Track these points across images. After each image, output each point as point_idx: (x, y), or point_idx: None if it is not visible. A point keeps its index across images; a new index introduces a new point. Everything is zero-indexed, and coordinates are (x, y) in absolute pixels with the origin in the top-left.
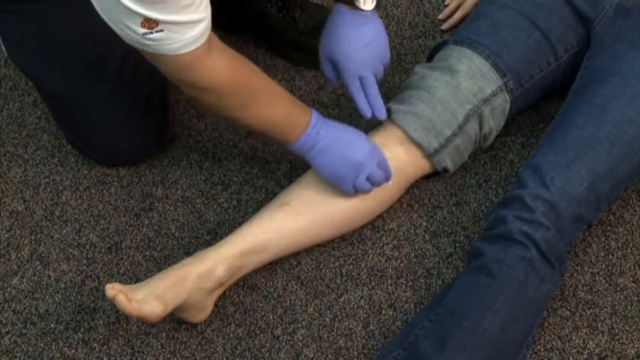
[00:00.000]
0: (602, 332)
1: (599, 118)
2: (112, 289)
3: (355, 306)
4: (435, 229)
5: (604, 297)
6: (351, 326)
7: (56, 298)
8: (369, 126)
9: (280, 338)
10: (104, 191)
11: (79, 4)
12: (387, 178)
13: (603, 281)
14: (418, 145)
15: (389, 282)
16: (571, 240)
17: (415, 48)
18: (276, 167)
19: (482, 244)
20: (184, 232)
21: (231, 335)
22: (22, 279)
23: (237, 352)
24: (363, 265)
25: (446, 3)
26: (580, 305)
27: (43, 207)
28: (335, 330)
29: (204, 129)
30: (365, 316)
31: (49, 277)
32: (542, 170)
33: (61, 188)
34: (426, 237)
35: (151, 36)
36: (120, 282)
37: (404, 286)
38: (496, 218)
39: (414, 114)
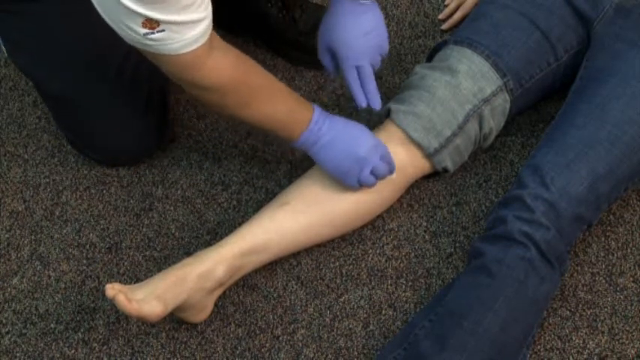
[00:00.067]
0: (602, 332)
1: (599, 118)
2: (112, 289)
3: (355, 306)
4: (435, 229)
5: (604, 297)
6: (351, 326)
7: (56, 298)
8: (369, 125)
9: (280, 338)
10: (104, 191)
11: (79, 4)
12: (391, 172)
13: (603, 281)
14: (418, 145)
15: (389, 282)
16: (571, 240)
17: (415, 48)
18: (276, 167)
19: (482, 244)
20: (184, 232)
21: (231, 335)
22: (22, 279)
23: (237, 352)
24: (363, 265)
25: (446, 3)
26: (580, 305)
27: (43, 207)
28: (335, 330)
29: (204, 129)
30: (365, 316)
31: (49, 277)
32: (542, 170)
33: (61, 188)
34: (426, 237)
35: (152, 36)
36: (120, 282)
37: (404, 286)
38: (496, 218)
39: (414, 114)
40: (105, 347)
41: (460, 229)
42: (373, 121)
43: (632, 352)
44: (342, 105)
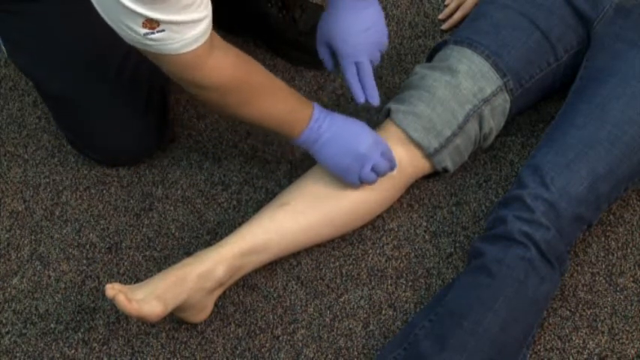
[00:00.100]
0: (602, 332)
1: (599, 118)
2: (112, 289)
3: (355, 306)
4: (435, 229)
5: (604, 297)
6: (351, 326)
7: (56, 298)
8: (370, 125)
9: (280, 338)
10: (104, 191)
11: (79, 4)
12: (392, 168)
13: (603, 281)
14: (418, 145)
15: (389, 282)
16: (571, 240)
17: (415, 48)
18: (276, 167)
19: (482, 244)
20: (184, 232)
21: (231, 335)
22: (22, 279)
23: (237, 352)
24: (363, 265)
25: (446, 3)
26: (580, 305)
27: (43, 207)
28: (335, 330)
29: (204, 129)
30: (365, 316)
31: (49, 277)
32: (542, 170)
33: (61, 188)
34: (426, 237)
35: (153, 36)
36: (120, 282)
37: (404, 286)
38: (496, 218)
39: (414, 114)
40: (105, 347)
41: (460, 229)
42: (373, 120)
43: (632, 352)
44: (342, 105)
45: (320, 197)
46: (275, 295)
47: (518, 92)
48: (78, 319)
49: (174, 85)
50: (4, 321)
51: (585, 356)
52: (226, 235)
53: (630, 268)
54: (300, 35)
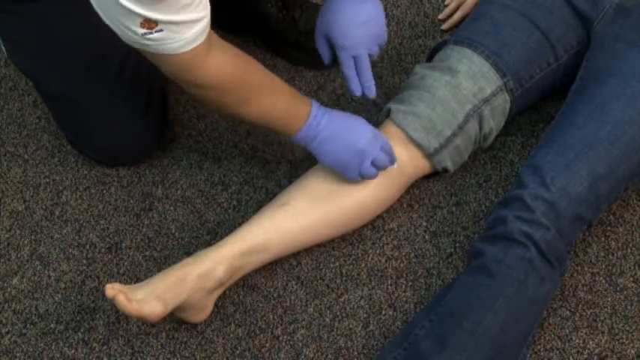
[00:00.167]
0: (602, 332)
1: (599, 118)
2: (112, 289)
3: (355, 306)
4: (435, 229)
5: (604, 297)
6: (351, 326)
7: (56, 298)
8: (370, 124)
9: (280, 338)
10: (104, 191)
11: (79, 4)
12: (392, 162)
13: (603, 281)
14: (418, 145)
15: (389, 282)
16: (571, 240)
17: (415, 48)
18: (276, 167)
19: (482, 244)
20: (184, 232)
21: (231, 335)
22: (22, 279)
23: (237, 352)
24: (363, 265)
25: (446, 3)
26: (580, 305)
27: (43, 207)
28: (335, 330)
29: (204, 129)
30: (365, 316)
31: (49, 277)
32: (542, 170)
33: (61, 188)
34: (426, 237)
35: (151, 36)
36: (120, 282)
37: (404, 286)
38: (496, 218)
39: (414, 114)
40: (105, 347)
41: (460, 229)
42: (374, 120)
43: (632, 352)
44: (343, 105)
45: (320, 197)
46: (275, 295)
47: (518, 92)
48: (78, 319)
49: (174, 85)
50: (4, 321)
51: (585, 356)
52: (226, 235)
53: (630, 268)
54: (300, 35)
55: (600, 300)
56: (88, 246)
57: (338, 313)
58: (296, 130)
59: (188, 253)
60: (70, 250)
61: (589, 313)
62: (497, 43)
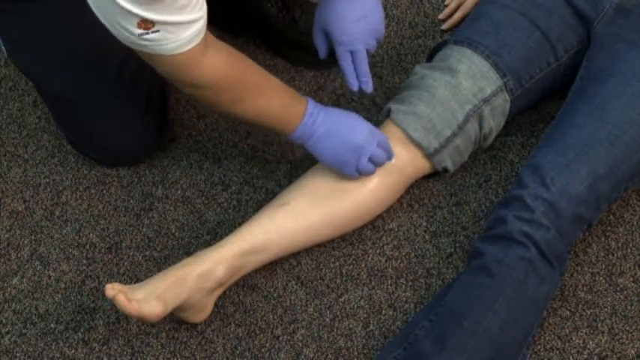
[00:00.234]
0: (602, 332)
1: (599, 118)
2: (112, 289)
3: (355, 306)
4: (435, 229)
5: (604, 297)
6: (351, 326)
7: (56, 298)
8: (366, 121)
9: (280, 338)
10: (104, 191)
11: (79, 4)
12: (389, 157)
13: (603, 281)
14: (418, 145)
15: (389, 282)
16: (571, 240)
17: (415, 48)
18: (276, 167)
19: (482, 244)
20: (184, 232)
21: (231, 335)
22: (22, 279)
23: (237, 352)
24: (363, 265)
25: (446, 3)
26: (580, 305)
27: (43, 207)
28: (335, 330)
29: (204, 129)
30: (365, 316)
31: (49, 277)
32: (542, 170)
33: (61, 188)
34: (426, 237)
35: (147, 36)
36: (120, 282)
37: (404, 286)
38: (496, 218)
39: (414, 114)
40: (105, 347)
41: (460, 229)
42: (373, 120)
43: (632, 352)
44: (343, 105)
45: (320, 197)
46: (275, 295)
47: (518, 92)
48: (78, 319)
49: (173, 85)
50: (4, 321)
51: (585, 356)
52: (226, 235)
53: (630, 268)
54: (300, 35)
55: (600, 300)
56: (88, 246)
57: (338, 313)
58: (292, 129)
59: (188, 253)
60: (70, 250)
61: (589, 313)
62: (497, 43)
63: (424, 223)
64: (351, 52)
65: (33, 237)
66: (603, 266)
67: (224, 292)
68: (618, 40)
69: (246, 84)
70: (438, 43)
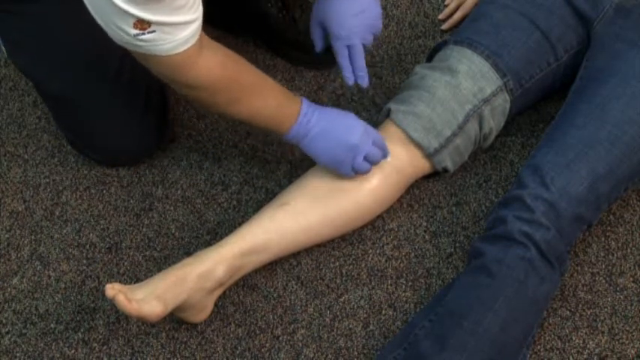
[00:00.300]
0: (602, 332)
1: (599, 118)
2: (112, 289)
3: (355, 306)
4: (435, 229)
5: (604, 297)
6: (351, 326)
7: (56, 298)
8: (370, 125)
9: (280, 338)
10: (104, 191)
11: (79, 4)
12: (385, 156)
13: (603, 281)
14: (418, 145)
15: (389, 282)
16: (571, 240)
17: (415, 48)
18: (276, 167)
19: (482, 244)
20: (184, 232)
21: (231, 335)
22: (22, 279)
23: (237, 352)
24: (363, 265)
25: (446, 3)
26: (580, 305)
27: (43, 207)
28: (335, 330)
29: (204, 129)
30: (365, 316)
31: (49, 277)
32: (542, 170)
33: (61, 188)
34: (426, 237)
35: (143, 37)
36: (120, 282)
37: (404, 286)
38: (496, 218)
39: (414, 114)
40: (105, 347)
41: (460, 229)
42: (373, 120)
43: (632, 352)
44: (343, 105)
45: (320, 197)
46: (275, 295)
47: (518, 92)
48: (78, 319)
49: None
50: (4, 321)
51: (585, 356)
52: (226, 235)
53: (630, 268)
54: (300, 35)
55: (600, 300)
56: (88, 246)
57: (338, 313)
58: (287, 129)
59: (188, 253)
60: (70, 250)
61: (589, 313)
62: (497, 43)
63: (424, 223)
64: (348, 47)
65: (33, 237)
66: (603, 266)
67: (224, 292)
68: (618, 40)
69: (242, 84)
70: (438, 43)
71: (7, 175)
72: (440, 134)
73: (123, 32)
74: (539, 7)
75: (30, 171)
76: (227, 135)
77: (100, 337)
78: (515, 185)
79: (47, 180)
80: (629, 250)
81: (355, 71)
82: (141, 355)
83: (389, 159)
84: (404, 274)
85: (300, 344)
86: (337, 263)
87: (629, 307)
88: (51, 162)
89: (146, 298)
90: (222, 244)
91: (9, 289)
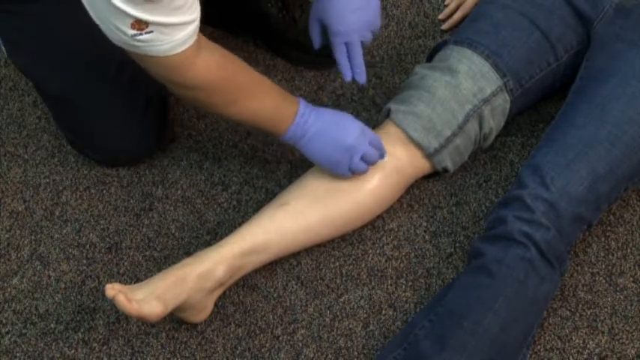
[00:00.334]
0: (602, 332)
1: (599, 118)
2: (112, 289)
3: (355, 306)
4: (435, 229)
5: (604, 297)
6: (351, 326)
7: (56, 298)
8: (370, 126)
9: (280, 338)
10: (104, 191)
11: (79, 4)
12: (382, 156)
13: (603, 281)
14: (418, 145)
15: (389, 282)
16: (571, 240)
17: (415, 48)
18: (276, 167)
19: (482, 244)
20: (184, 232)
21: (231, 335)
22: (22, 279)
23: (237, 352)
24: (363, 265)
25: (446, 3)
26: (580, 305)
27: (43, 207)
28: (335, 330)
29: (204, 129)
30: (365, 316)
31: (49, 277)
32: (542, 170)
33: (61, 188)
34: (426, 237)
35: (140, 37)
36: (120, 282)
37: (404, 286)
38: (496, 218)
39: (414, 114)
40: (105, 347)
41: (460, 229)
42: (374, 120)
43: (632, 352)
44: (343, 105)
45: (320, 197)
46: (275, 295)
47: (518, 92)
48: (78, 319)
49: None
50: (4, 321)
51: (585, 356)
52: (226, 235)
53: (630, 268)
54: (300, 35)
55: (600, 300)
56: (88, 246)
57: (338, 313)
58: (284, 130)
59: (188, 253)
60: (70, 250)
61: (589, 313)
62: (497, 43)
63: (424, 223)
64: (346, 44)
65: (33, 237)
66: (603, 266)
67: (224, 292)
68: (618, 40)
69: (239, 85)
70: (438, 43)
71: (7, 175)
72: (440, 134)
73: (121, 32)
74: (539, 7)
75: (30, 171)
76: (227, 135)
77: (100, 337)
78: (515, 185)
79: (47, 180)
80: (629, 250)
81: (353, 68)
82: (141, 355)
83: (386, 159)
84: (404, 274)
85: (300, 344)
86: (337, 263)
87: (629, 307)
88: (51, 162)
89: (146, 298)
90: (222, 244)
91: (9, 289)
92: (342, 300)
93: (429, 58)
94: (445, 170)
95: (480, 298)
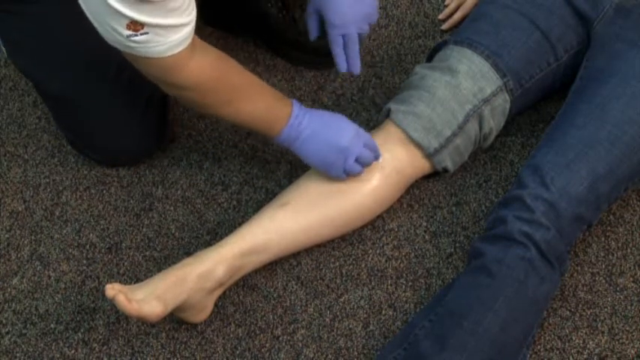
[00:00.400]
0: (602, 332)
1: (599, 118)
2: (112, 289)
3: (355, 306)
4: (435, 229)
5: (604, 297)
6: (351, 326)
7: (56, 298)
8: (370, 126)
9: (280, 338)
10: (104, 191)
11: (78, 4)
12: (376, 158)
13: (603, 281)
14: (418, 145)
15: (389, 282)
16: (571, 240)
17: (415, 48)
18: (276, 167)
19: (483, 244)
20: (184, 232)
21: (231, 335)
22: (22, 279)
23: (237, 352)
24: (363, 265)
25: (446, 3)
26: (580, 305)
27: (43, 207)
28: (335, 330)
29: (204, 129)
30: (365, 316)
31: (49, 277)
32: (542, 170)
33: (61, 188)
34: (426, 237)
35: (136, 38)
36: (120, 282)
37: (404, 286)
38: (496, 218)
39: (414, 114)
40: (105, 347)
41: (460, 229)
42: (374, 120)
43: (632, 352)
44: (343, 105)
45: (320, 197)
46: (275, 295)
47: (518, 92)
48: (78, 319)
49: None
50: (4, 321)
51: (585, 356)
52: (226, 235)
53: (630, 268)
54: (300, 35)
55: (600, 300)
56: (88, 246)
57: (338, 313)
58: (278, 131)
59: (188, 253)
60: (70, 250)
61: (589, 313)
62: (497, 43)
63: (424, 223)
64: (343, 36)
65: (33, 237)
66: (603, 266)
67: (224, 292)
68: (618, 40)
69: (233, 86)
70: (438, 43)
71: (7, 175)
72: (440, 134)
73: (116, 33)
74: (539, 7)
75: (30, 171)
76: (227, 135)
77: (100, 337)
78: (515, 185)
79: (47, 180)
80: (629, 250)
81: (349, 59)
82: (141, 355)
83: (380, 160)
84: (404, 274)
85: (300, 344)
86: (337, 263)
87: (629, 307)
88: (51, 162)
89: (146, 298)
90: (222, 244)
91: (9, 289)
92: (342, 300)
93: (429, 58)
94: (445, 170)
95: (480, 298)
